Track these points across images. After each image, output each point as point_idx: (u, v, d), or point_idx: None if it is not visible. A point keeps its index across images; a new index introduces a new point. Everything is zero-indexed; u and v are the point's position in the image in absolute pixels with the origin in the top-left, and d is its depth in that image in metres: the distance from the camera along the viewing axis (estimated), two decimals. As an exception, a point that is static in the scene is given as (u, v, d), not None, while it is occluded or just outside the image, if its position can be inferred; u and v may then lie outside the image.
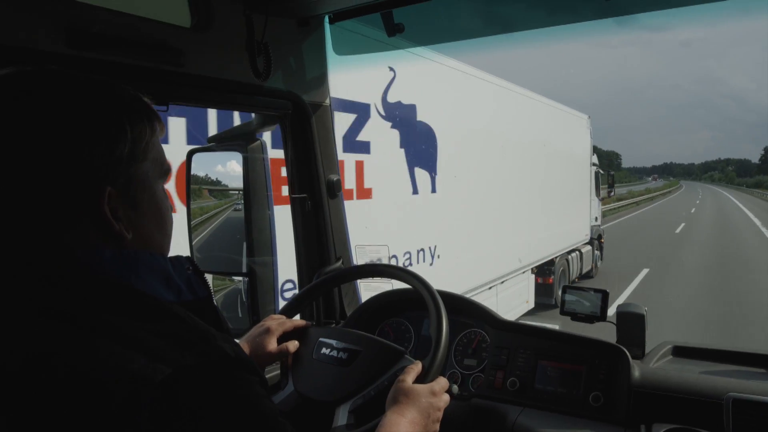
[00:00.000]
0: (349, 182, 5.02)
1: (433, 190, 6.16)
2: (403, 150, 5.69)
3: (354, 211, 4.45)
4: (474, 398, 1.81)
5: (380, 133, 5.37)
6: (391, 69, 5.38)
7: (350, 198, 4.94)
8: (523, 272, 8.94)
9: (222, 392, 0.74)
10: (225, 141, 2.11)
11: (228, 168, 2.09)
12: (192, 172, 2.09)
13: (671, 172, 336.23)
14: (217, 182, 2.16)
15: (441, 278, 5.72)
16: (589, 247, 12.59)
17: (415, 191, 5.90)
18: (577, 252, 11.81)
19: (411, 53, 5.15)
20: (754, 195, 79.96)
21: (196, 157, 2.08)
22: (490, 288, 7.67)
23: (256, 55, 1.67)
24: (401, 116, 5.60)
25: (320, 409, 1.41)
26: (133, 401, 0.67)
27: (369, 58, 3.28)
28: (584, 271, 12.40)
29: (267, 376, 1.76)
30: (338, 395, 1.39)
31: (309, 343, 1.54)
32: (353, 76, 4.96)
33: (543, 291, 9.87)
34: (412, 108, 5.76)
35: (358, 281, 2.22)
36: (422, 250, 5.97)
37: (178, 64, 1.55)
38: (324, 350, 1.50)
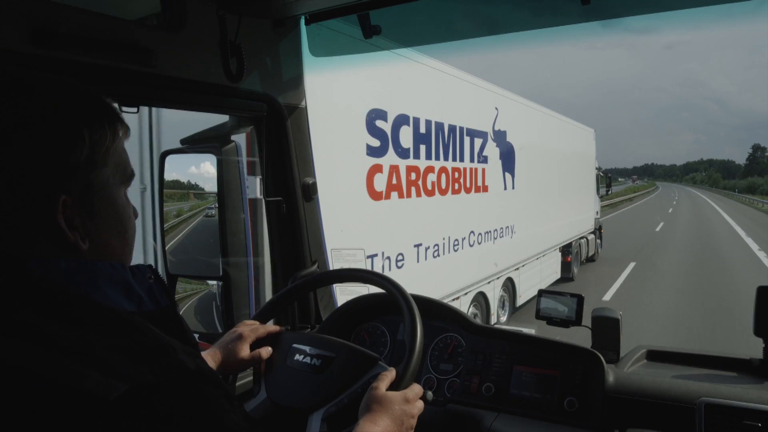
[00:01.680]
0: (479, 181, 7.68)
1: (513, 187, 8.89)
2: (501, 161, 8.38)
3: (481, 200, 7.73)
4: (449, 404, 1.80)
5: (491, 150, 8.00)
6: (496, 108, 8.10)
7: (479, 191, 7.72)
8: (554, 250, 11.92)
9: (181, 408, 0.72)
10: (198, 143, 2.08)
11: (202, 170, 2.06)
12: (165, 175, 2.05)
13: (652, 174, 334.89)
14: (191, 185, 2.13)
15: (516, 250, 9.19)
16: (593, 236, 15.51)
17: (505, 188, 8.64)
18: (585, 239, 14.62)
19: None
20: (753, 206, 52.43)
21: (169, 159, 2.05)
22: (537, 258, 10.57)
23: (229, 56, 1.64)
24: (500, 138, 8.27)
25: (293, 416, 1.39)
26: (86, 421, 0.65)
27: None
28: (590, 254, 15.24)
29: (239, 383, 1.74)
30: (311, 403, 1.37)
31: (282, 349, 1.52)
32: (478, 113, 7.69)
33: (563, 267, 12.65)
34: (505, 132, 8.40)
35: (335, 284, 2.20)
36: (507, 227, 8.74)
37: (150, 64, 1.52)
38: (297, 356, 1.48)
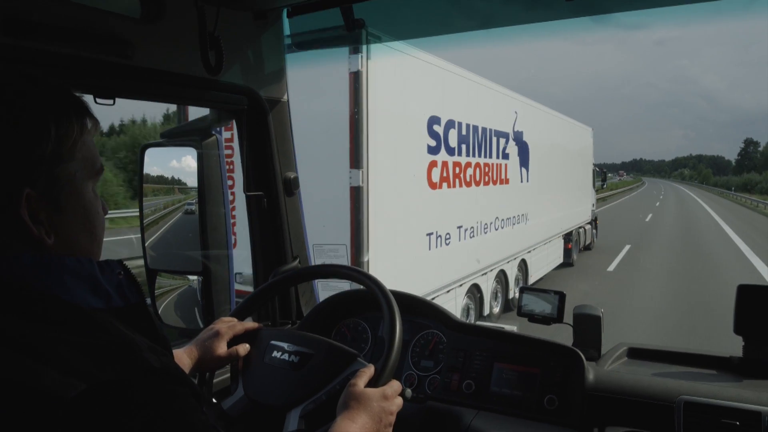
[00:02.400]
0: (503, 175, 9.08)
1: (527, 180, 10.30)
2: (518, 157, 9.76)
3: (504, 191, 9.10)
4: (429, 401, 1.80)
5: (511, 148, 9.41)
6: (515, 112, 9.48)
7: (502, 183, 9.07)
8: (558, 237, 13.36)
9: (144, 406, 0.70)
10: (179, 136, 2.05)
11: (182, 164, 2.03)
12: (145, 169, 2.02)
13: (641, 169, 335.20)
14: (171, 179, 2.09)
15: (529, 236, 10.56)
16: (589, 226, 16.93)
17: (521, 181, 10.03)
18: (583, 228, 16.02)
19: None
20: (759, 210, 39.32)
21: (149, 153, 2.01)
22: (545, 244, 12.03)
23: (208, 49, 1.61)
24: (518, 138, 9.65)
25: (271, 414, 1.38)
26: (43, 420, 0.63)
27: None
28: (586, 243, 16.62)
29: (217, 380, 1.72)
30: (289, 400, 1.35)
31: (260, 346, 1.50)
32: (502, 116, 9.03)
33: (565, 253, 14.13)
34: (522, 132, 9.78)
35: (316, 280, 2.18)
36: (523, 215, 10.18)
37: (127, 56, 1.49)
38: (275, 353, 1.46)
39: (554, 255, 13.17)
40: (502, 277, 9.46)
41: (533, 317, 1.95)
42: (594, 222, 17.84)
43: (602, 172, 19.88)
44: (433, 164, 6.68)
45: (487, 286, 8.68)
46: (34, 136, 0.78)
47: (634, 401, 1.59)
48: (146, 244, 2.07)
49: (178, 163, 2.07)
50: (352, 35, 4.21)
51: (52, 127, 0.80)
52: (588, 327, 1.90)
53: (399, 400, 1.30)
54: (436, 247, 6.87)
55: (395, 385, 1.31)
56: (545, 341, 1.78)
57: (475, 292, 8.31)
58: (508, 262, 9.60)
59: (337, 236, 5.24)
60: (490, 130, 8.46)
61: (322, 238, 5.26)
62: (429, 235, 6.73)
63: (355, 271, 1.60)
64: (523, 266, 10.64)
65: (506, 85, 9.27)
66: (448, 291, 7.36)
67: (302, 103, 5.17)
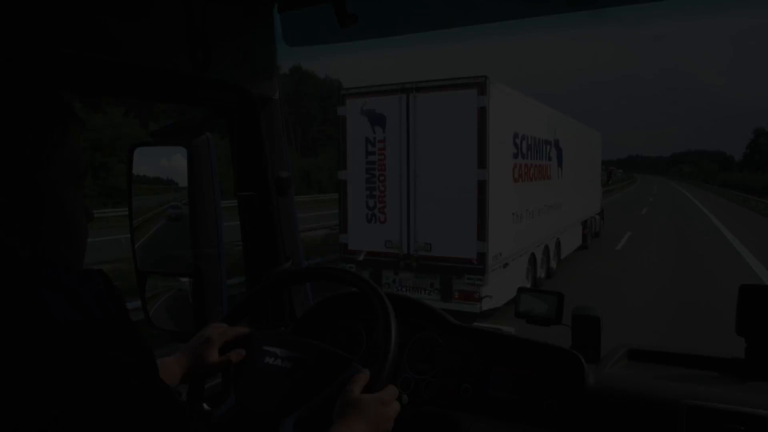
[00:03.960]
0: (548, 173, 12.57)
1: (562, 177, 13.71)
2: (556, 159, 13.21)
3: (548, 185, 12.59)
4: (426, 406, 1.76)
5: (552, 152, 12.85)
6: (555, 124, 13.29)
7: (548, 179, 12.55)
8: (578, 224, 16.78)
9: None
10: (168, 136, 2.00)
11: (173, 164, 1.98)
12: (134, 170, 1.97)
13: (637, 166, 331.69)
14: (161, 179, 2.04)
15: (562, 220, 13.94)
16: (598, 216, 20.42)
17: (558, 177, 13.50)
18: (594, 218, 19.38)
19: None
20: None
21: (138, 152, 1.96)
22: (571, 228, 15.21)
23: (196, 45, 1.57)
24: (556, 144, 13.15)
25: (264, 421, 1.35)
26: None
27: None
28: (596, 231, 19.78)
29: (209, 386, 1.68)
30: (282, 407, 1.33)
31: (252, 351, 1.47)
32: (548, 128, 12.62)
33: (583, 238, 17.40)
34: (558, 140, 13.26)
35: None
36: (559, 203, 13.44)
37: (111, 51, 1.44)
38: (268, 359, 1.43)
39: (575, 238, 16.56)
40: (547, 251, 12.70)
41: (531, 318, 1.92)
42: (601, 213, 21.24)
43: (608, 170, 24.21)
44: (514, 166, 10.14)
45: (538, 256, 11.94)
46: (6, 141, 0.74)
47: (636, 406, 1.55)
48: (136, 245, 2.02)
49: (168, 163, 2.02)
50: (476, 82, 8.74)
51: (28, 131, 0.76)
52: (587, 328, 1.86)
53: (396, 405, 1.27)
54: (516, 223, 10.21)
55: (392, 390, 1.28)
56: (543, 344, 1.73)
57: (532, 259, 11.47)
58: (549, 239, 12.85)
59: (466, 215, 8.73)
60: (542, 139, 11.90)
61: (453, 217, 8.84)
62: (513, 214, 10.07)
63: (348, 273, 1.57)
64: (558, 244, 13.80)
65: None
66: (521, 256, 10.68)
67: (446, 127, 9.17)
